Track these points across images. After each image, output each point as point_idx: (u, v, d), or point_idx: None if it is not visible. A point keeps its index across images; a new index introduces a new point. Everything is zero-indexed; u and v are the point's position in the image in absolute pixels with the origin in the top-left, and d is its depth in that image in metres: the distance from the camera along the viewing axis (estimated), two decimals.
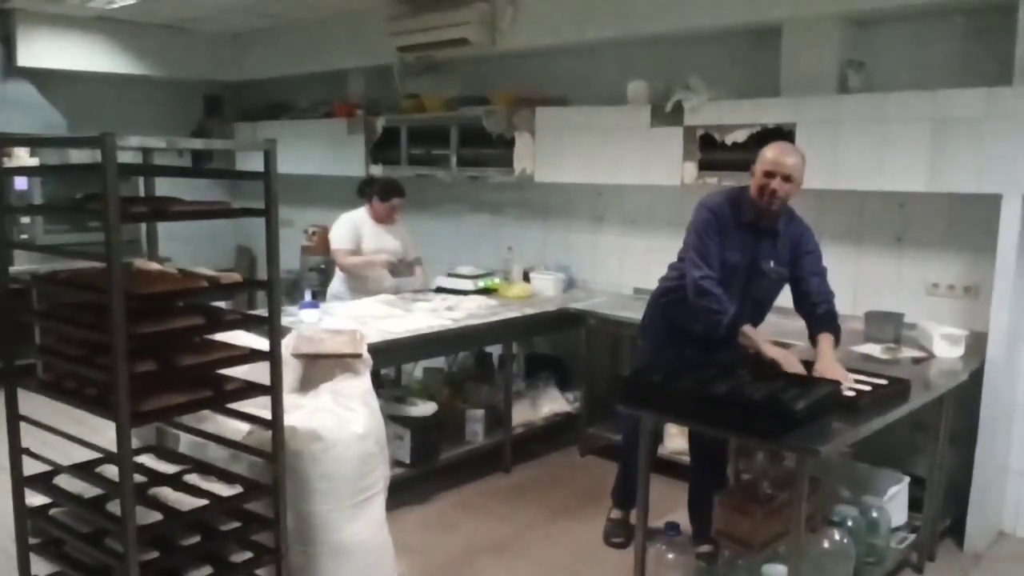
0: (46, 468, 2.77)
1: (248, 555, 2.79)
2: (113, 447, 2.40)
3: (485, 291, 5.32)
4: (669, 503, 3.86)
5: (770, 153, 3.33)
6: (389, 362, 4.64)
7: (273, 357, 2.69)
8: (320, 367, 3.27)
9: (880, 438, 3.09)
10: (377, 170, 6.37)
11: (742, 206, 3.40)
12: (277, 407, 2.70)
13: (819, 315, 3.40)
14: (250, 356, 2.71)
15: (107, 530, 2.58)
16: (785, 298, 3.55)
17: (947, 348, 3.81)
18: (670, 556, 3.16)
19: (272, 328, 2.70)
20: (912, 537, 3.65)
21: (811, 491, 2.82)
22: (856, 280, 4.49)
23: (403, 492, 4.11)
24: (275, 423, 2.71)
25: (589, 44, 5.33)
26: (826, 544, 3.07)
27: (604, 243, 5.64)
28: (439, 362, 5.53)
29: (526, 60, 5.82)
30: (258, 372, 2.72)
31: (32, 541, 2.81)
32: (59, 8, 6.39)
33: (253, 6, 6.39)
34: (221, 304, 3.08)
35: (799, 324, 3.54)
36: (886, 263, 4.43)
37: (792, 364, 3.18)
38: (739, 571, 3.14)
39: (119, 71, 7.14)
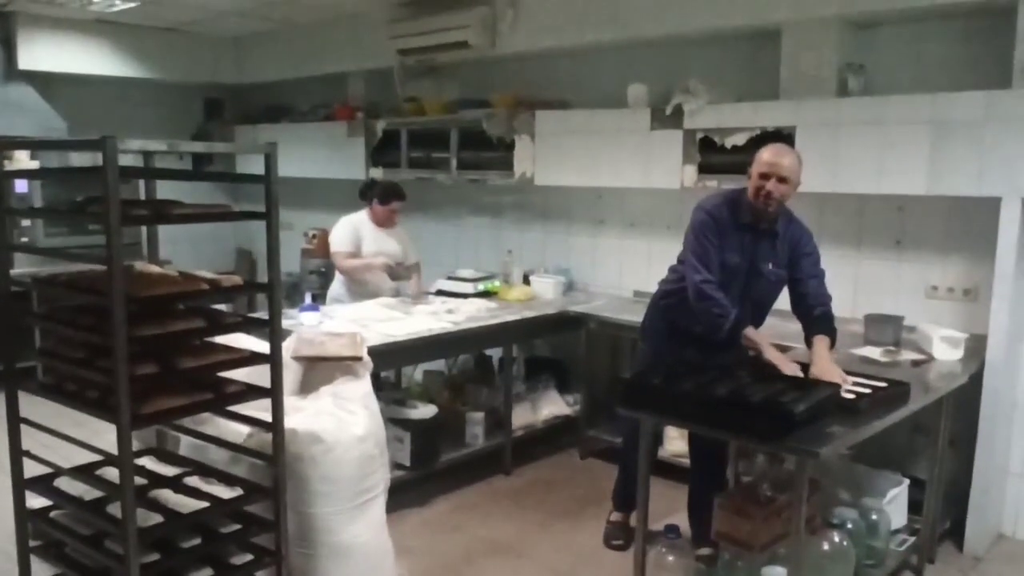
0: (47, 470, 2.77)
1: (248, 557, 2.79)
2: (114, 449, 2.40)
3: (485, 294, 5.32)
4: (669, 505, 3.86)
5: (766, 155, 3.34)
6: (389, 365, 4.65)
7: (273, 360, 2.69)
8: (320, 370, 3.28)
9: (880, 440, 3.09)
10: (377, 173, 6.38)
11: (740, 208, 3.40)
12: (277, 409, 2.70)
13: (815, 317, 3.40)
14: (250, 359, 2.72)
15: (108, 532, 2.58)
16: (785, 300, 3.56)
17: (947, 350, 3.81)
18: (670, 558, 3.16)
19: (272, 331, 2.71)
20: (912, 539, 3.65)
21: (811, 493, 2.82)
22: (856, 283, 4.50)
23: (403, 494, 4.11)
24: (275, 425, 2.71)
25: (589, 47, 5.34)
26: (826, 546, 3.07)
27: (604, 246, 5.65)
28: (439, 365, 5.53)
29: (526, 63, 5.83)
30: (258, 375, 2.72)
31: (33, 543, 2.81)
32: (60, 11, 6.41)
33: (253, 9, 6.40)
34: (221, 307, 3.08)
35: (799, 326, 3.54)
36: (886, 266, 4.43)
37: (790, 369, 3.18)
38: (739, 573, 3.14)
39: (120, 74, 7.15)
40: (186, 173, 6.10)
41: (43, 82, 6.76)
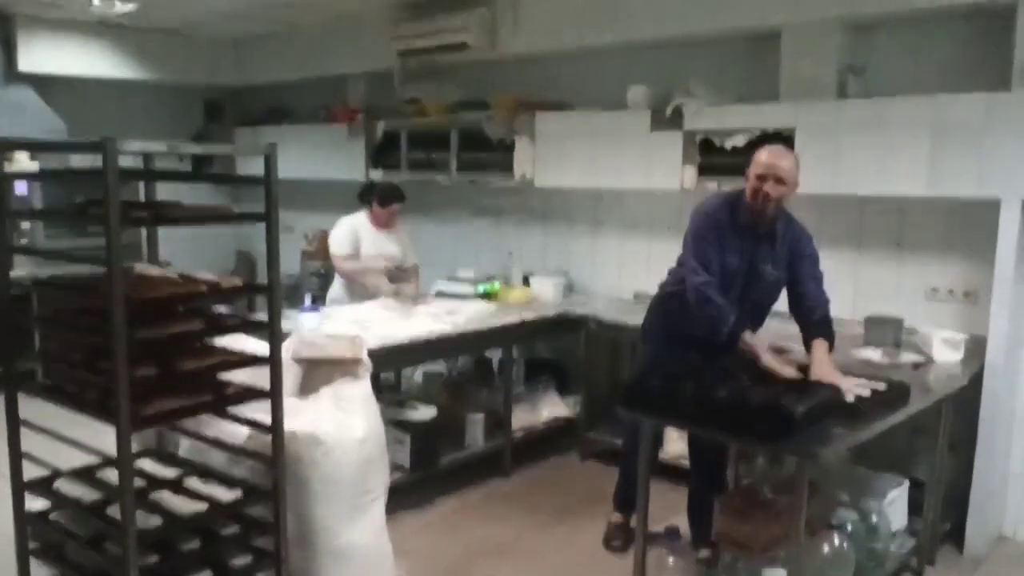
0: (46, 472, 2.77)
1: (248, 559, 2.79)
2: (113, 451, 2.40)
3: (485, 296, 5.32)
4: (669, 508, 3.86)
5: (763, 156, 3.33)
6: (389, 366, 4.64)
7: (273, 361, 2.69)
8: (320, 371, 3.28)
9: (880, 442, 3.09)
10: (377, 175, 6.38)
11: (739, 210, 3.40)
12: (277, 411, 2.70)
13: (814, 321, 3.39)
14: (250, 360, 2.72)
15: (107, 534, 2.59)
16: (785, 302, 3.55)
17: (946, 352, 3.81)
18: (670, 560, 3.16)
19: (272, 332, 2.71)
20: (912, 541, 3.65)
21: (811, 495, 2.81)
22: (856, 284, 4.50)
23: (403, 496, 4.11)
24: (275, 427, 2.71)
25: (589, 49, 5.34)
26: (826, 548, 3.07)
27: (604, 247, 5.65)
28: (439, 366, 5.53)
29: (526, 65, 5.83)
30: (258, 376, 2.72)
31: (32, 545, 2.81)
32: (60, 13, 6.41)
33: (254, 12, 6.40)
34: (221, 308, 3.08)
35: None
36: (886, 267, 4.43)
37: (787, 375, 3.18)
38: (739, 575, 3.14)
39: (120, 76, 7.15)
40: (186, 175, 6.10)
41: (43, 84, 6.76)
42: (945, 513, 3.86)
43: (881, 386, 3.14)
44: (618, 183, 5.11)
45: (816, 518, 3.08)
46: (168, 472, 2.96)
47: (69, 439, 2.70)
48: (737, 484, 3.69)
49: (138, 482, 2.67)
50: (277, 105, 7.80)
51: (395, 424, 4.27)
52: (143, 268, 2.75)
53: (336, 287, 5.23)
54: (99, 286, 2.38)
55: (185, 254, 5.85)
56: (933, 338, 3.86)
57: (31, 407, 2.71)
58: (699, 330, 3.40)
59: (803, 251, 3.46)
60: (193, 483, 2.86)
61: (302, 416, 3.04)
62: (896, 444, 3.90)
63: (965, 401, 3.74)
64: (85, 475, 2.78)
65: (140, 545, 2.40)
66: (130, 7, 6.11)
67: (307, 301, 4.51)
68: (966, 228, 4.12)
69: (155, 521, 2.56)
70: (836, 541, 3.10)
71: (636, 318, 4.09)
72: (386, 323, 4.35)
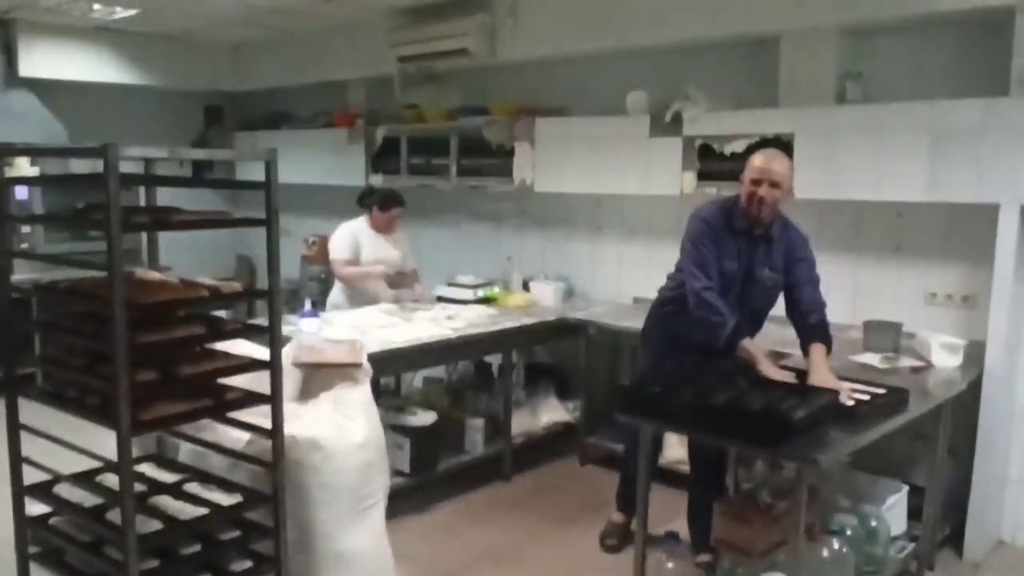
0: (46, 477, 2.77)
1: (248, 564, 2.79)
2: (113, 456, 2.41)
3: (485, 300, 5.33)
4: (669, 512, 3.85)
5: (757, 161, 3.36)
6: (389, 371, 4.64)
7: (273, 366, 2.70)
8: (320, 376, 3.28)
9: (879, 447, 3.09)
10: (377, 180, 6.39)
11: (734, 215, 3.42)
12: (277, 416, 2.70)
13: (811, 325, 3.40)
14: (250, 365, 2.72)
15: (107, 539, 2.59)
16: (783, 306, 3.56)
17: (946, 357, 3.82)
18: (669, 565, 3.16)
19: (272, 337, 2.71)
20: (911, 546, 3.65)
21: (810, 500, 2.82)
22: (855, 289, 4.50)
23: (403, 501, 4.11)
24: (275, 432, 2.71)
25: (589, 55, 5.35)
26: (825, 553, 3.07)
27: (603, 253, 5.65)
28: (439, 371, 5.53)
29: (526, 70, 5.84)
30: (258, 381, 2.73)
31: (32, 550, 2.81)
32: (60, 19, 6.42)
33: (254, 17, 6.41)
34: (221, 313, 3.09)
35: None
36: (885, 272, 4.44)
37: (788, 381, 3.19)
38: None
39: (120, 81, 7.16)
40: (186, 180, 6.11)
41: (44, 89, 6.77)
42: (944, 518, 3.86)
43: (879, 392, 3.15)
44: (617, 188, 5.12)
45: (815, 523, 3.08)
46: (168, 477, 2.96)
47: (69, 444, 2.71)
48: (736, 489, 3.69)
49: (138, 487, 2.67)
50: (277, 110, 7.81)
51: (395, 429, 4.27)
52: (143, 273, 2.75)
53: (336, 292, 5.23)
54: (99, 291, 2.39)
55: (185, 259, 5.86)
56: (932, 343, 3.86)
57: (31, 411, 2.71)
58: (698, 335, 3.41)
59: (800, 254, 3.47)
60: (193, 488, 2.87)
61: (302, 421, 3.04)
62: (895, 449, 3.90)
63: (964, 406, 3.74)
64: (85, 479, 2.78)
65: (140, 549, 2.40)
66: (130, 12, 6.13)
67: (307, 306, 4.52)
68: (965, 233, 4.13)
69: (155, 526, 2.56)
70: (835, 546, 3.10)
71: (636, 323, 4.10)
72: (386, 328, 4.36)
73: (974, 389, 3.74)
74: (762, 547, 2.98)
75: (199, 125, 8.30)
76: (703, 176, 4.67)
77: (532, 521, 4.29)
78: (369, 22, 6.20)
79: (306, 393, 3.27)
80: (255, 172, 2.54)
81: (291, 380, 3.19)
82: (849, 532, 3.24)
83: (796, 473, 2.73)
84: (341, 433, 3.05)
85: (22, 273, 5.37)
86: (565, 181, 5.35)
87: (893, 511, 3.56)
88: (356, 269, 5.04)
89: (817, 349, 3.32)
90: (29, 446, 2.75)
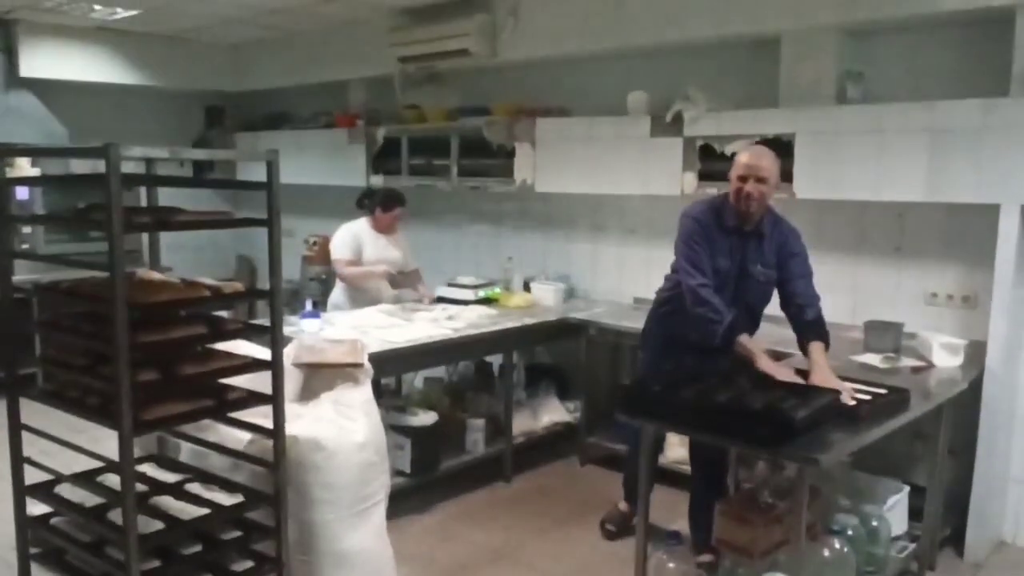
0: (47, 477, 2.77)
1: (249, 564, 2.79)
2: (114, 456, 2.41)
3: (485, 301, 5.32)
4: (670, 512, 3.86)
5: (743, 157, 3.42)
6: (390, 372, 4.64)
7: (275, 366, 2.70)
8: (321, 377, 3.28)
9: (880, 447, 3.09)
10: (378, 180, 6.39)
11: (724, 212, 3.47)
12: (279, 416, 2.71)
13: (807, 321, 3.43)
14: (252, 365, 2.72)
15: (108, 539, 2.59)
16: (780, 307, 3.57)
17: (946, 357, 3.82)
18: (671, 565, 3.16)
19: (274, 338, 2.71)
20: (912, 546, 3.65)
21: (811, 500, 2.82)
22: (855, 290, 4.50)
23: (404, 501, 4.11)
24: (277, 432, 2.72)
25: (589, 55, 5.35)
26: (826, 553, 3.07)
27: (604, 253, 5.65)
28: (440, 372, 5.53)
29: (527, 71, 5.84)
30: (259, 382, 2.73)
31: (33, 550, 2.82)
32: (61, 19, 6.42)
33: (254, 17, 6.42)
34: (222, 314, 3.09)
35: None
36: (885, 273, 4.44)
37: (784, 376, 3.20)
38: None
39: (121, 82, 7.16)
40: (188, 180, 6.11)
41: (44, 89, 6.77)
42: (945, 518, 3.86)
43: (880, 392, 3.15)
44: (618, 189, 5.12)
45: (816, 523, 3.09)
46: (169, 477, 2.97)
47: (70, 444, 2.71)
48: (737, 489, 3.69)
49: (139, 487, 2.68)
50: (277, 111, 7.82)
51: (396, 429, 4.27)
52: (145, 273, 2.75)
53: (337, 292, 5.23)
54: (101, 291, 2.39)
55: (185, 259, 5.87)
56: (933, 343, 3.86)
57: (32, 412, 2.71)
58: (695, 334, 3.42)
59: (792, 249, 3.52)
60: (194, 488, 2.87)
61: (303, 421, 3.04)
62: (896, 449, 3.90)
63: (965, 406, 3.74)
64: (86, 480, 2.78)
65: (141, 549, 2.41)
66: (131, 12, 6.14)
67: (308, 306, 4.52)
68: (965, 233, 4.13)
69: (156, 526, 2.57)
70: (836, 546, 3.10)
71: (636, 323, 4.10)
72: (386, 328, 4.36)
73: (975, 389, 3.74)
74: (763, 547, 2.98)
75: (199, 126, 8.30)
76: (704, 176, 4.67)
77: (533, 521, 4.29)
78: (369, 22, 6.20)
79: (307, 393, 3.27)
80: (256, 173, 2.53)
81: (292, 380, 3.19)
82: (850, 532, 3.23)
83: (797, 473, 2.73)
84: (342, 433, 3.06)
85: (23, 274, 5.36)
86: (566, 181, 5.35)
87: (894, 511, 3.56)
88: (358, 269, 5.05)
89: (817, 348, 3.34)
90: (30, 446, 2.75)
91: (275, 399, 2.69)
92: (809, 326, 3.42)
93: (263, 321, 2.78)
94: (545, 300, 5.40)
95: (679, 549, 3.18)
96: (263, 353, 2.79)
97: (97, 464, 2.83)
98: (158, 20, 6.52)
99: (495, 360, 5.34)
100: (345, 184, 6.55)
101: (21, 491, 2.77)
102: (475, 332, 4.56)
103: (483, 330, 4.62)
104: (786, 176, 4.25)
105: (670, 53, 5.08)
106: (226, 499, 2.79)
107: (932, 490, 3.68)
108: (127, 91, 7.45)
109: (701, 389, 3.00)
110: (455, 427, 4.80)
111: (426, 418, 4.44)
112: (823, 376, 3.18)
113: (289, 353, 3.24)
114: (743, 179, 3.36)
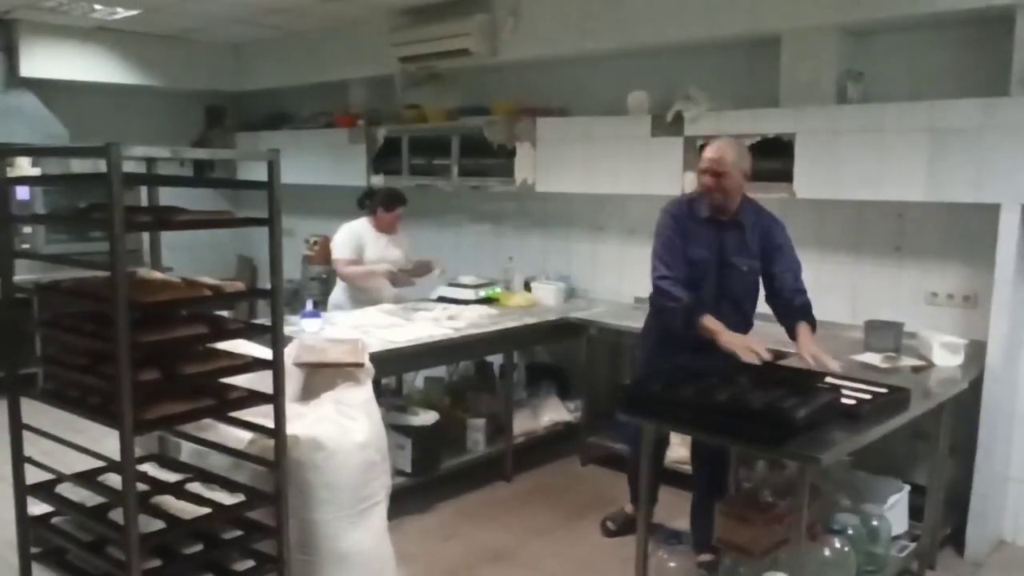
0: (48, 476, 2.77)
1: (250, 564, 2.79)
2: (115, 456, 2.41)
3: (486, 300, 5.33)
4: (671, 512, 3.86)
5: (706, 152, 3.56)
6: (390, 371, 4.65)
7: (276, 366, 2.70)
8: (322, 376, 3.28)
9: (880, 446, 3.09)
10: (378, 180, 6.39)
11: (697, 204, 3.58)
12: (280, 416, 2.71)
13: (795, 307, 3.52)
14: (252, 365, 2.72)
15: (109, 539, 2.59)
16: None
17: (946, 357, 3.82)
18: (671, 564, 3.16)
19: (275, 337, 2.71)
20: (912, 545, 3.65)
21: (811, 499, 2.82)
22: (855, 289, 4.51)
23: (404, 501, 4.11)
24: (278, 432, 2.72)
25: (590, 55, 5.35)
26: (826, 552, 3.07)
27: (605, 253, 5.66)
28: (440, 371, 5.54)
29: (527, 71, 5.84)
30: (260, 381, 2.73)
31: (34, 550, 2.81)
32: (61, 19, 6.43)
33: (254, 17, 6.42)
34: (223, 313, 3.09)
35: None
36: (885, 272, 4.44)
37: (751, 349, 3.26)
38: None
39: (121, 82, 7.16)
40: (189, 180, 6.11)
41: (44, 89, 6.77)
42: (945, 517, 3.87)
43: (881, 391, 3.15)
44: (619, 188, 5.12)
45: (817, 522, 3.09)
46: (170, 476, 2.97)
47: (71, 443, 2.71)
48: (738, 488, 3.70)
49: (140, 486, 2.68)
50: (278, 110, 7.82)
51: (397, 429, 4.27)
52: (146, 272, 2.75)
53: (337, 292, 5.24)
54: (102, 290, 2.39)
55: (185, 259, 5.85)
56: (933, 342, 3.86)
57: (33, 411, 2.71)
58: (664, 324, 3.53)
59: (776, 241, 3.58)
60: (195, 487, 2.87)
61: (304, 420, 3.04)
62: (896, 448, 3.91)
63: (965, 405, 3.74)
64: (87, 479, 2.78)
65: (142, 549, 2.41)
66: (131, 12, 6.14)
67: (309, 306, 4.52)
68: (965, 232, 4.13)
69: (157, 525, 2.57)
70: (837, 545, 3.10)
71: (637, 323, 4.11)
72: (387, 328, 4.36)
73: (975, 388, 3.75)
74: (764, 546, 2.98)
75: (200, 126, 8.30)
76: None
77: (533, 521, 4.29)
78: (370, 22, 6.20)
79: (308, 393, 3.27)
80: (256, 172, 2.54)
81: (293, 380, 3.20)
82: (850, 531, 3.24)
83: (797, 472, 2.73)
84: (343, 433, 3.06)
85: (24, 273, 5.36)
86: (566, 181, 5.36)
87: (894, 510, 3.57)
88: (359, 268, 5.05)
89: (803, 326, 3.44)
90: (31, 446, 2.75)
91: (276, 399, 2.69)
92: (798, 310, 3.51)
93: (264, 321, 2.78)
94: (546, 300, 5.41)
95: (680, 548, 3.19)
96: (264, 353, 2.79)
97: (98, 464, 2.82)
98: (158, 20, 6.53)
99: (496, 360, 5.34)
100: (346, 184, 6.55)
101: (22, 491, 2.77)
102: (476, 332, 4.56)
103: (484, 330, 4.62)
104: (786, 176, 4.27)
105: (670, 53, 5.08)
106: (227, 498, 2.79)
107: (932, 489, 3.69)
108: (127, 91, 7.45)
109: (701, 388, 2.99)
110: (456, 427, 4.80)
111: (427, 418, 4.45)
112: (810, 349, 3.25)
113: (290, 353, 3.24)
114: (703, 171, 3.51)
